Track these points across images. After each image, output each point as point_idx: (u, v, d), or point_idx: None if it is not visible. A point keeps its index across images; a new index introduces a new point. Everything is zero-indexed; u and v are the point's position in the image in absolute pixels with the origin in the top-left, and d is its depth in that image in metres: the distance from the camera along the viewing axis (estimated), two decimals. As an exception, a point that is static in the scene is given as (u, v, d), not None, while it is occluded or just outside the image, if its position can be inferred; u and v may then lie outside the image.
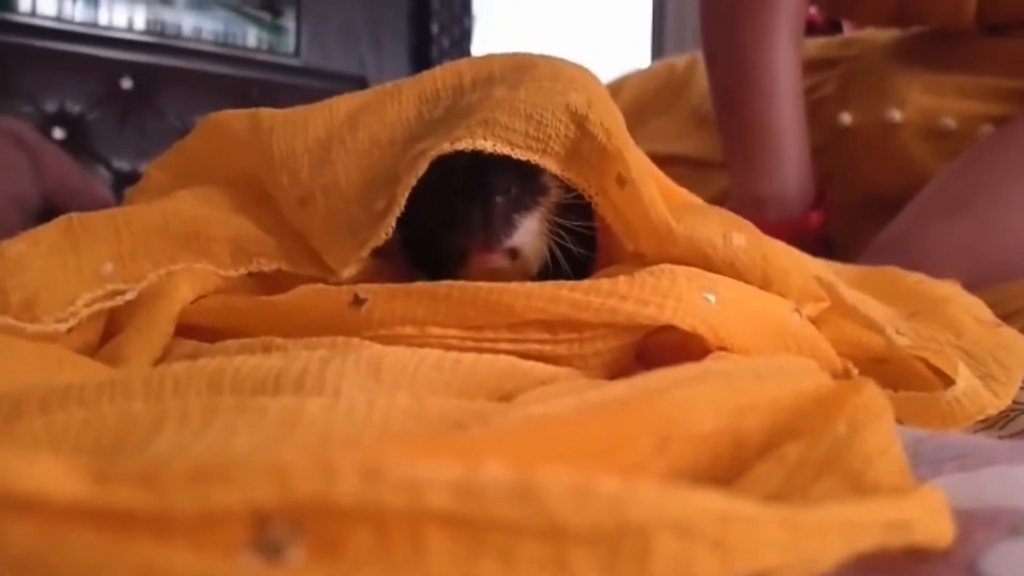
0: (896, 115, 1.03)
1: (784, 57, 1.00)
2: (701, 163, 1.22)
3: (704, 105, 1.30)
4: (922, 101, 1.03)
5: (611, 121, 0.49)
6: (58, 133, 2.01)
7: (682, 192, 0.56)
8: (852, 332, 0.53)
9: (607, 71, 1.53)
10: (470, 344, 0.41)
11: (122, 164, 2.08)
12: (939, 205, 0.88)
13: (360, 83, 2.46)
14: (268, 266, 0.53)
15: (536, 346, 0.41)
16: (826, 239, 1.02)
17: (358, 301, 0.43)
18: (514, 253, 0.52)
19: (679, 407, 0.25)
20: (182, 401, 0.28)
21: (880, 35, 1.16)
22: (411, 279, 0.56)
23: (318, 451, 0.20)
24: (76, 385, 0.30)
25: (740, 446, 0.27)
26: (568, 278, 0.55)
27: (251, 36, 2.46)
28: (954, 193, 0.89)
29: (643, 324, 0.41)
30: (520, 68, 0.54)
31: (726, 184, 1.09)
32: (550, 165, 0.49)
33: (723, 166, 1.09)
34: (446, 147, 0.47)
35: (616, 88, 1.47)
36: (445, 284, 0.42)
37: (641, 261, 0.52)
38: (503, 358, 0.38)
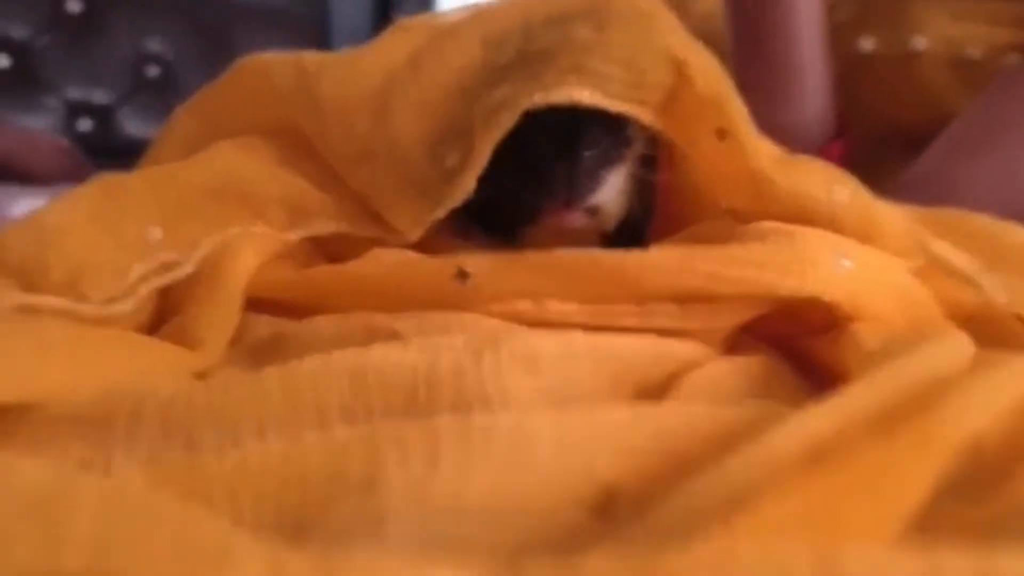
0: (919, 42, 1.00)
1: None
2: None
3: (708, 27, 1.25)
4: (947, 28, 1.00)
5: (711, 67, 0.46)
6: (2, 61, 1.89)
7: (772, 143, 0.53)
8: (946, 289, 0.50)
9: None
10: (592, 320, 0.38)
11: (73, 93, 1.96)
12: (966, 143, 0.86)
13: (320, 2, 2.35)
14: (328, 228, 0.49)
15: (664, 320, 0.38)
16: (848, 170, 0.99)
17: (462, 274, 0.39)
18: (593, 210, 0.49)
19: (953, 416, 0.22)
20: (393, 429, 0.24)
21: (896, -44, 1.12)
22: (467, 235, 0.53)
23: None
24: (219, 400, 0.26)
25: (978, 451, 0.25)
26: (641, 234, 0.53)
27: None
28: (981, 130, 0.87)
29: (782, 295, 0.39)
30: (598, 6, 0.49)
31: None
32: (645, 116, 0.45)
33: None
34: (538, 98, 0.43)
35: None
36: (559, 253, 0.39)
37: (729, 217, 0.49)
38: (648, 340, 0.35)
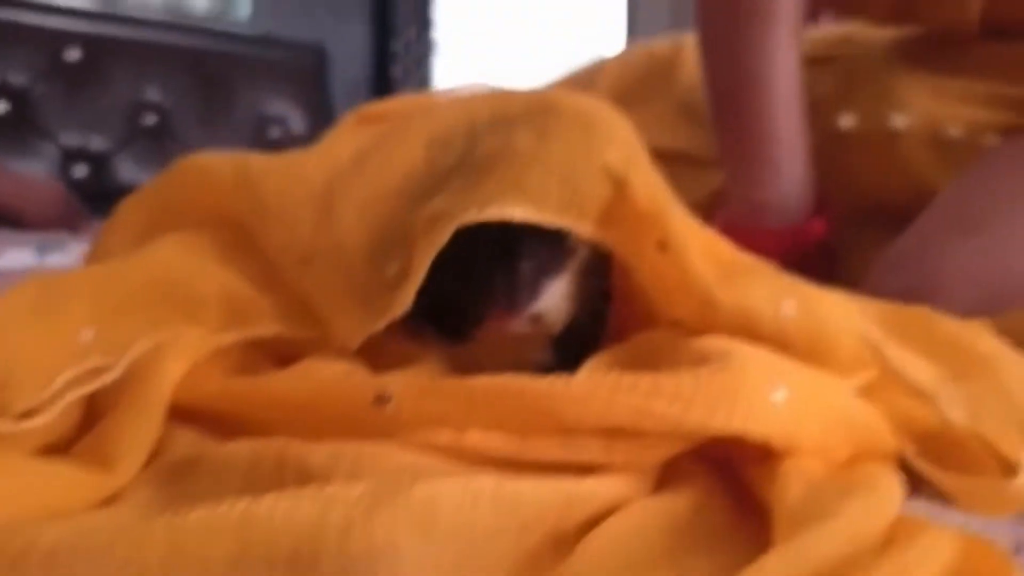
0: (900, 121, 1.00)
1: (784, 60, 0.96)
2: (692, 160, 1.18)
3: (694, 98, 1.25)
4: (927, 107, 1.00)
5: (652, 181, 0.45)
6: (1, 107, 1.90)
7: (728, 248, 0.52)
8: (903, 404, 0.49)
9: (580, 53, 1.47)
10: (514, 453, 0.37)
11: (70, 140, 1.97)
12: (951, 223, 0.85)
13: (318, 53, 2.37)
14: (265, 330, 0.48)
15: (588, 455, 0.37)
16: (827, 247, 0.99)
17: (383, 399, 0.38)
18: (537, 318, 0.48)
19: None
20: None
21: (876, 33, 1.12)
22: (418, 336, 0.52)
23: None
24: (102, 551, 0.25)
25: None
26: (591, 338, 0.52)
27: (201, 3, 2.34)
28: (966, 210, 0.86)
29: (710, 432, 0.37)
30: (543, 110, 0.49)
31: (718, 184, 1.05)
32: (585, 230, 0.45)
33: (715, 164, 1.05)
34: (472, 216, 0.42)
35: (593, 74, 1.41)
36: (485, 382, 0.38)
37: (675, 324, 0.48)
38: (561, 487, 0.34)
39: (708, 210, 1.01)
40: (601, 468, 0.37)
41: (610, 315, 0.52)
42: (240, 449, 0.38)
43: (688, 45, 1.28)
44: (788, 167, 0.97)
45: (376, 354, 0.49)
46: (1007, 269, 0.81)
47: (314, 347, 0.49)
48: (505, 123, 0.49)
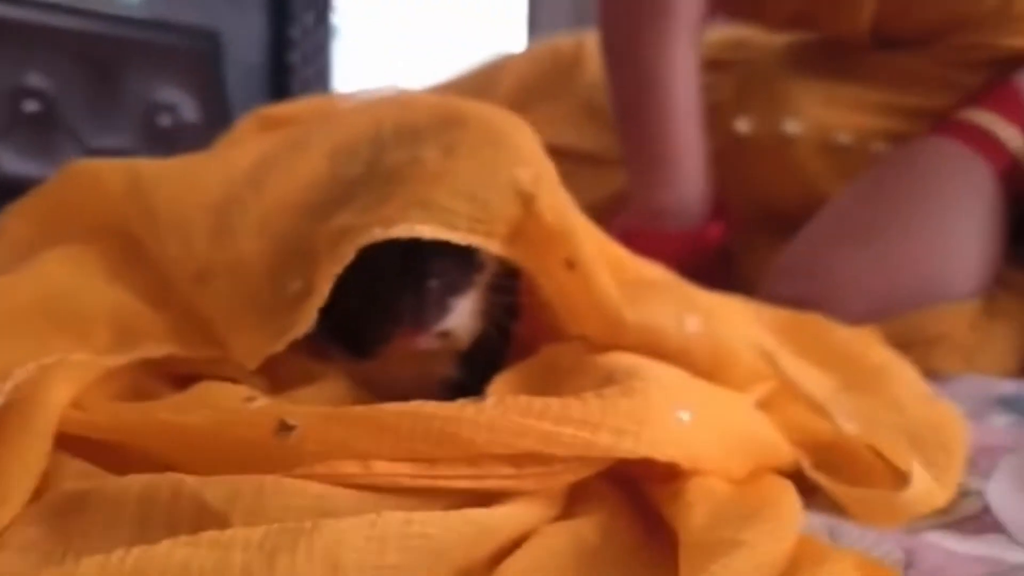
0: (792, 126, 1.03)
1: (683, 64, 0.97)
2: (594, 158, 1.19)
3: (597, 97, 1.26)
4: (819, 113, 1.02)
5: (560, 199, 0.45)
6: None
7: (637, 266, 0.52)
8: (799, 416, 0.50)
9: (481, 47, 1.46)
10: (422, 482, 0.36)
11: (-58, 127, 1.85)
12: (843, 231, 0.88)
13: (212, 38, 2.29)
14: (157, 351, 0.45)
15: (498, 481, 0.36)
16: (724, 251, 1.01)
17: (285, 428, 0.37)
18: (444, 334, 0.47)
19: None
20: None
21: (771, 39, 1.15)
22: (320, 352, 0.50)
23: None
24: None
25: None
26: (499, 352, 0.51)
27: (90, -17, 2.23)
28: (855, 220, 0.89)
29: (617, 456, 0.37)
30: (449, 123, 0.48)
31: (621, 184, 1.06)
32: (493, 247, 0.44)
33: (618, 164, 1.06)
34: (378, 234, 0.41)
35: (496, 71, 1.41)
36: (391, 411, 0.37)
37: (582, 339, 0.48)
38: (470, 518, 0.33)
39: (609, 211, 1.03)
40: (509, 494, 0.36)
41: (516, 328, 0.51)
42: (132, 484, 0.36)
43: (591, 43, 1.29)
44: (687, 172, 0.98)
45: (276, 372, 0.47)
46: (894, 279, 0.84)
47: (211, 365, 0.47)
48: (412, 134, 0.48)
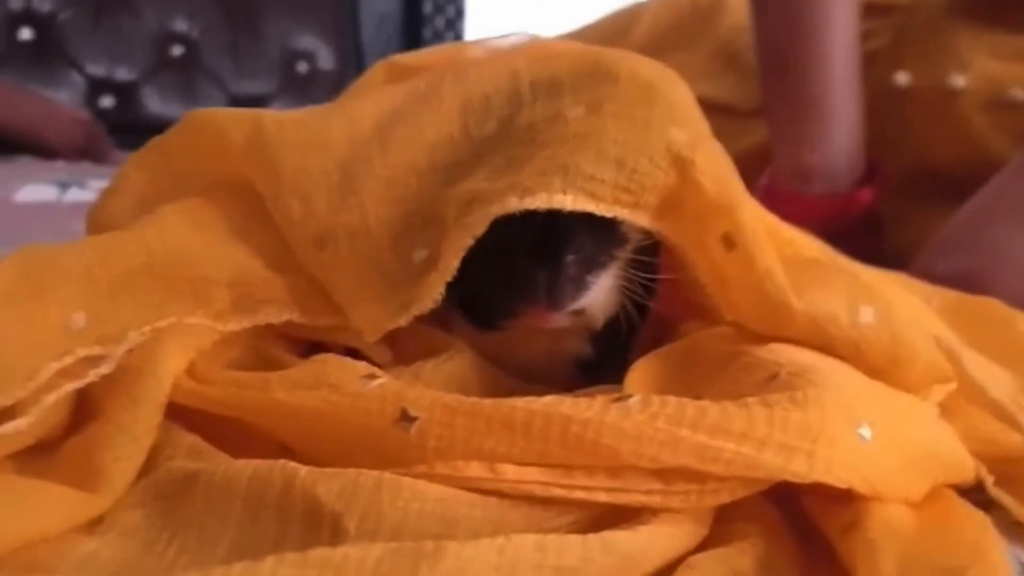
0: (959, 80, 0.91)
1: (842, 10, 0.87)
2: (730, 109, 1.09)
3: (736, 41, 1.16)
4: (988, 67, 0.91)
5: (720, 166, 0.38)
6: (25, 34, 1.82)
7: (796, 240, 0.44)
8: (983, 424, 0.42)
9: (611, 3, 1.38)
10: (556, 492, 0.30)
11: (96, 70, 1.89)
12: (1007, 205, 0.77)
13: (349, -15, 2.25)
14: (277, 317, 0.41)
15: (642, 497, 0.30)
16: (875, 219, 0.91)
17: (407, 418, 0.32)
18: (579, 313, 0.42)
19: None
20: None
21: (938, -19, 1.02)
22: (448, 324, 0.45)
23: None
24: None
25: None
26: (632, 331, 0.45)
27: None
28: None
29: (785, 478, 0.31)
30: (596, 77, 0.41)
31: (759, 137, 0.97)
32: (641, 220, 0.38)
33: (756, 114, 0.97)
34: (513, 204, 0.35)
35: (634, 16, 1.32)
36: (523, 408, 0.31)
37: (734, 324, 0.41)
38: (611, 546, 0.27)
39: (747, 167, 0.94)
40: (653, 510, 0.31)
41: (655, 304, 0.45)
42: (243, 470, 0.32)
43: (733, -12, 1.18)
44: (839, 131, 0.89)
45: (399, 340, 0.43)
46: None
47: (332, 332, 0.43)
48: (552, 88, 0.42)
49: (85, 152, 1.52)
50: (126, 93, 1.90)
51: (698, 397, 0.34)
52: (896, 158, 0.95)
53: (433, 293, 0.37)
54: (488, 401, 0.32)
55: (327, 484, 0.30)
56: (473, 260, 0.38)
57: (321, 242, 0.41)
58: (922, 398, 0.41)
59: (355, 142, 0.42)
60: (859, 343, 0.39)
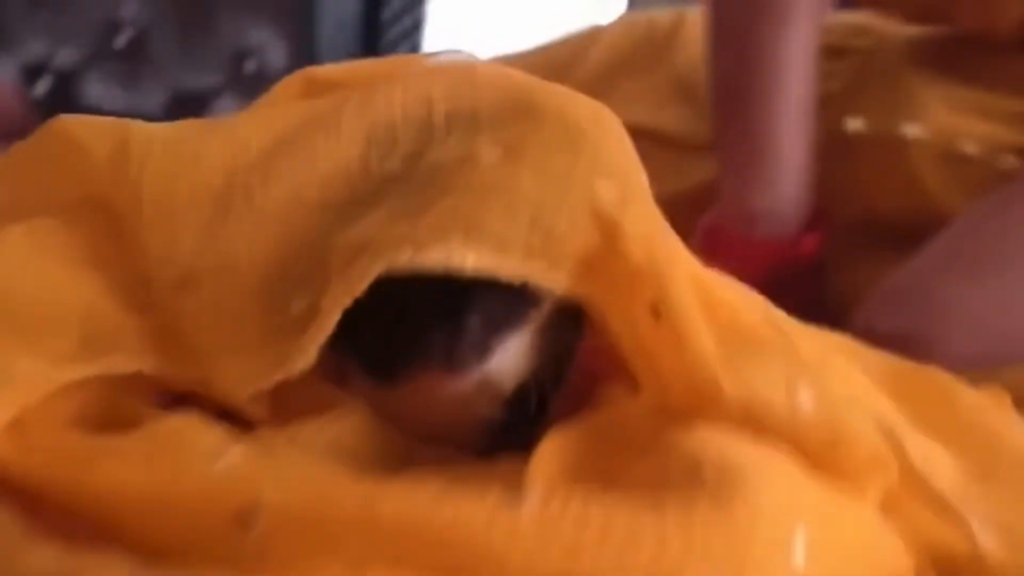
0: (911, 130, 0.88)
1: (801, 50, 0.84)
2: (682, 144, 1.05)
3: (691, 75, 1.12)
4: (943, 118, 0.88)
5: (651, 225, 0.32)
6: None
7: (733, 302, 0.39)
8: (930, 528, 0.38)
9: (580, 18, 1.34)
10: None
11: (33, 52, 1.79)
12: (962, 261, 0.74)
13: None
14: (126, 366, 0.35)
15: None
16: (818, 265, 0.88)
17: (248, 517, 0.26)
18: (485, 378, 0.36)
19: None
20: None
21: (895, 28, 0.99)
22: (340, 373, 0.39)
23: None
24: None
25: None
26: (550, 395, 0.40)
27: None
28: (980, 249, 0.75)
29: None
30: (519, 114, 0.35)
31: (708, 173, 0.93)
32: (556, 283, 0.32)
33: (706, 149, 0.93)
34: (404, 258, 0.29)
35: (592, 38, 1.27)
36: (395, 506, 0.26)
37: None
38: None
39: (694, 203, 0.90)
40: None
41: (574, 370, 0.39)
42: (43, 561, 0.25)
43: (692, 19, 1.15)
44: (789, 172, 0.85)
45: (279, 390, 0.37)
46: (1014, 322, 0.70)
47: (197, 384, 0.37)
48: (470, 123, 0.36)
49: (12, 129, 1.42)
50: (64, 79, 1.80)
51: (612, 482, 0.29)
52: (843, 204, 0.92)
53: (308, 354, 0.32)
54: (352, 497, 0.26)
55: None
56: (363, 309, 0.32)
57: (183, 284, 0.34)
58: (860, 491, 0.36)
59: (235, 169, 0.36)
60: (796, 428, 0.34)
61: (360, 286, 0.30)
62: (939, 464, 0.41)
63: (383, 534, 0.25)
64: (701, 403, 0.33)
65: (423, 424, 0.39)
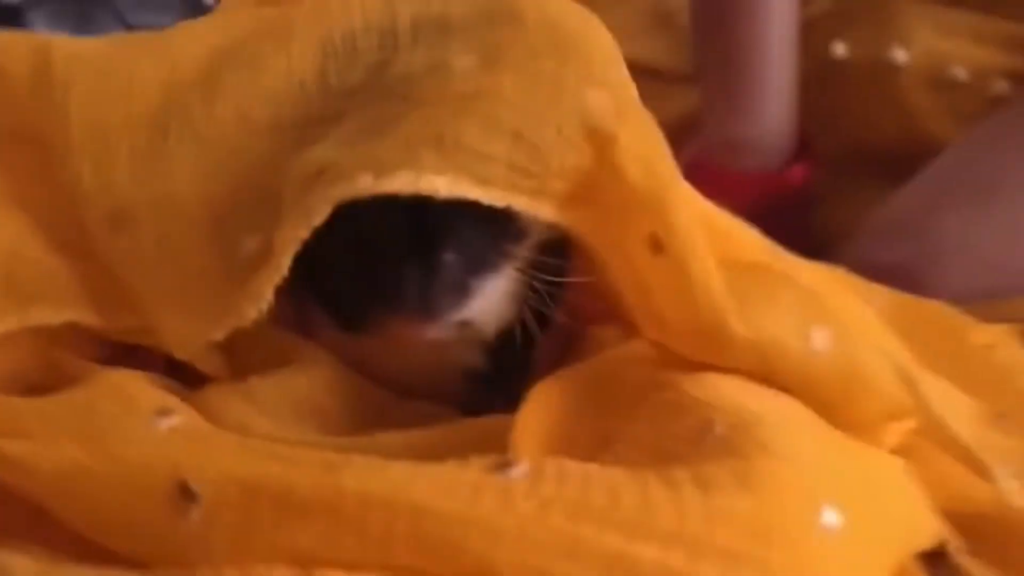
0: (900, 55, 0.85)
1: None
2: (660, 73, 1.01)
3: (669, 1, 1.08)
4: (931, 42, 0.85)
5: (650, 144, 0.28)
6: None
7: (737, 236, 0.35)
8: (950, 475, 0.34)
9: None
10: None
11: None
12: (957, 190, 0.71)
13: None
14: (55, 316, 0.30)
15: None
16: (806, 197, 0.84)
17: (187, 496, 0.22)
18: (464, 323, 0.32)
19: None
20: None
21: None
22: (304, 322, 0.35)
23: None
24: None
25: None
26: (534, 339, 0.36)
27: None
28: (976, 177, 0.72)
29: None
30: (495, 17, 0.31)
31: (690, 104, 0.89)
32: (544, 211, 0.28)
33: (686, 80, 0.89)
34: (365, 184, 0.25)
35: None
36: (358, 493, 0.21)
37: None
38: None
39: (674, 136, 0.86)
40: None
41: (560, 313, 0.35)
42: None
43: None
44: (774, 100, 0.81)
45: (235, 340, 0.32)
46: (1015, 248, 0.68)
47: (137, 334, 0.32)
48: (440, 29, 0.31)
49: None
50: (9, 17, 1.70)
51: (608, 441, 0.25)
52: (830, 133, 0.89)
53: (261, 299, 0.27)
54: (310, 478, 0.22)
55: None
56: (325, 250, 0.28)
57: (118, 221, 0.29)
58: (876, 438, 0.33)
59: (173, 88, 0.31)
60: (809, 372, 0.30)
61: (316, 219, 0.26)
62: (957, 407, 0.37)
63: (341, 526, 0.21)
64: (706, 346, 0.29)
65: (396, 376, 0.36)
